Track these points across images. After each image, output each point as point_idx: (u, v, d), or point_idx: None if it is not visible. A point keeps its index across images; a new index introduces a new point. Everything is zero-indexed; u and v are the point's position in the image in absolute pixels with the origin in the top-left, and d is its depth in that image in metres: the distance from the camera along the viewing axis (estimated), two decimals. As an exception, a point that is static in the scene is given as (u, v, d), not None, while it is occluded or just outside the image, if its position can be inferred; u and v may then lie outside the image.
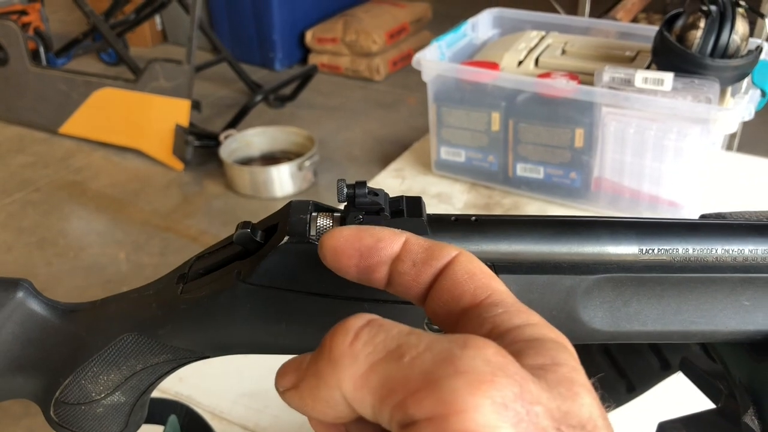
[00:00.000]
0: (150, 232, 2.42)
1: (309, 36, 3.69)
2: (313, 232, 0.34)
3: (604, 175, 1.02)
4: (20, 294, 0.38)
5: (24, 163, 2.86)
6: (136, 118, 2.78)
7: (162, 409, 0.60)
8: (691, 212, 0.98)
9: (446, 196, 1.08)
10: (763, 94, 0.96)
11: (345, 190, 0.34)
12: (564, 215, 0.37)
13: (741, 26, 0.93)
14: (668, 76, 0.92)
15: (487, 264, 0.35)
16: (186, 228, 2.46)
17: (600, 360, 0.53)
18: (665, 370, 0.51)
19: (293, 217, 0.35)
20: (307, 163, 2.62)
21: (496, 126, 1.05)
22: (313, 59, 3.69)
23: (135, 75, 2.78)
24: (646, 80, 0.93)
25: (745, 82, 0.97)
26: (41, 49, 3.32)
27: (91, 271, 2.23)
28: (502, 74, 1.03)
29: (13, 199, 2.62)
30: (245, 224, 0.36)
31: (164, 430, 0.57)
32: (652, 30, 1.09)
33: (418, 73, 1.06)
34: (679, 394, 0.48)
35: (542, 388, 0.20)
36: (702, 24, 0.93)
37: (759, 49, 0.95)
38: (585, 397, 0.21)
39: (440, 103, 1.08)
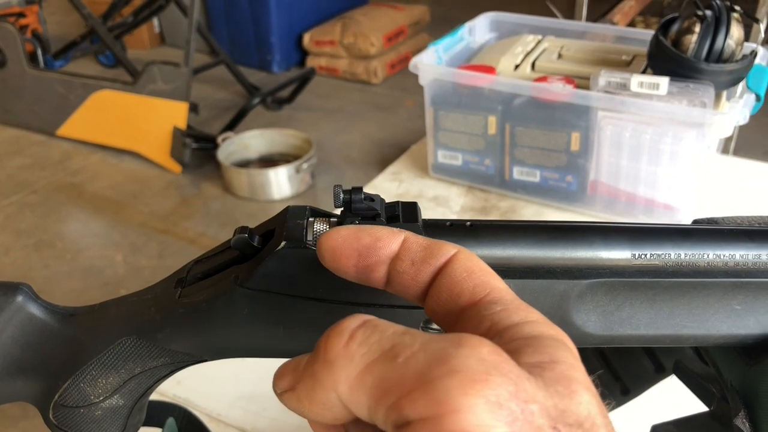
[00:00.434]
0: (148, 235, 2.42)
1: (307, 39, 3.70)
2: (310, 237, 0.35)
3: (600, 179, 1.03)
4: (20, 298, 0.38)
5: (21, 165, 2.86)
6: (133, 120, 2.78)
7: (160, 412, 0.60)
8: (686, 215, 0.99)
9: (443, 200, 1.09)
10: (758, 98, 0.97)
11: (341, 195, 0.34)
12: (558, 221, 0.37)
13: (736, 31, 0.94)
14: (664, 81, 0.92)
15: (481, 269, 0.35)
16: (184, 230, 2.46)
17: (595, 362, 0.53)
18: (659, 373, 0.51)
19: (290, 222, 0.35)
20: (305, 166, 2.63)
21: (492, 129, 1.05)
22: (311, 62, 3.69)
23: (133, 77, 2.78)
24: (641, 84, 0.94)
25: (740, 86, 0.98)
26: (39, 52, 3.33)
27: (88, 273, 2.23)
28: (499, 78, 1.04)
29: (10, 202, 2.62)
30: (243, 229, 0.36)
31: (162, 433, 0.57)
32: (648, 34, 1.09)
33: (415, 75, 1.06)
34: (673, 397, 0.48)
35: (538, 386, 0.20)
36: (697, 29, 0.93)
37: (753, 54, 0.96)
38: (583, 395, 0.21)
39: (437, 107, 1.08)
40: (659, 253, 0.35)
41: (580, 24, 1.34)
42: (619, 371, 0.53)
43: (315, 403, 0.23)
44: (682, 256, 0.36)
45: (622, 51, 1.10)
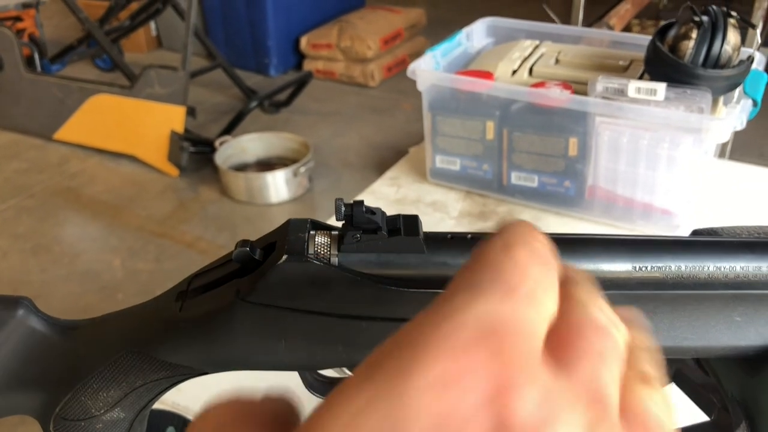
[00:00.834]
0: (145, 238, 2.42)
1: (304, 42, 3.70)
2: (311, 251, 0.35)
3: (598, 184, 1.03)
4: (21, 312, 0.38)
5: (18, 169, 2.86)
6: (131, 124, 2.78)
7: (159, 421, 0.60)
8: (684, 220, 0.99)
9: (441, 205, 1.09)
10: (755, 103, 0.97)
11: (343, 209, 0.35)
12: (558, 233, 0.37)
13: (732, 36, 0.94)
14: (661, 87, 0.93)
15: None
16: (181, 234, 2.46)
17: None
18: (659, 381, 0.52)
19: (292, 235, 0.35)
20: (303, 169, 2.63)
21: (490, 135, 1.06)
22: (308, 65, 3.69)
23: (130, 81, 2.78)
24: (639, 90, 0.94)
25: (737, 91, 0.98)
26: (36, 56, 3.32)
27: (86, 277, 2.23)
28: (497, 84, 1.04)
29: (7, 206, 2.62)
30: (244, 242, 0.36)
31: (162, 442, 0.57)
32: (645, 39, 1.09)
33: (412, 78, 1.06)
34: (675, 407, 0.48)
35: None
36: (694, 34, 0.94)
37: (750, 59, 0.96)
38: None
39: (435, 112, 1.08)
40: (660, 265, 0.36)
41: (577, 29, 1.34)
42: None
43: None
44: (683, 269, 0.36)
45: (619, 56, 1.10)
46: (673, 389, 0.43)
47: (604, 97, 0.97)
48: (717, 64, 0.94)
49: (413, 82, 1.06)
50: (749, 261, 0.36)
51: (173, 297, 0.38)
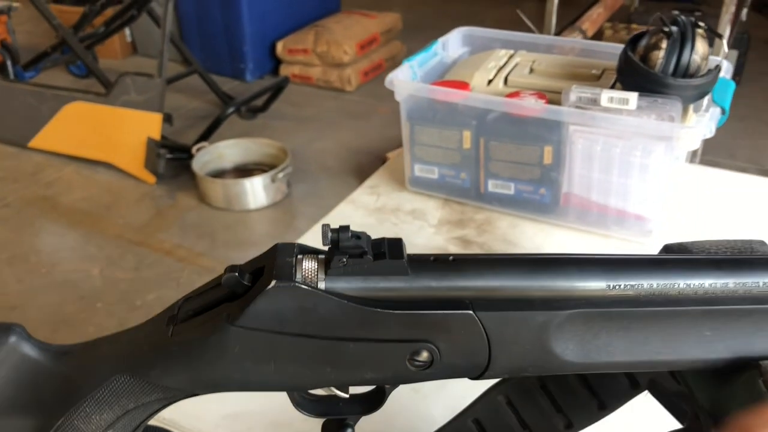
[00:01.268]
0: (123, 247, 2.41)
1: (280, 47, 3.70)
2: (299, 276, 0.36)
3: (573, 191, 1.05)
4: (13, 339, 0.39)
5: (-8, 178, 2.83)
6: (107, 131, 2.76)
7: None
8: (656, 225, 1.01)
9: (420, 213, 1.10)
10: (723, 111, 1.00)
11: (329, 234, 0.36)
12: (535, 254, 0.39)
13: (701, 46, 0.96)
14: (633, 96, 0.95)
15: (464, 301, 0.37)
16: (160, 242, 2.45)
17: (572, 380, 0.55)
18: (634, 389, 0.53)
19: (279, 260, 0.37)
20: (281, 175, 2.63)
21: (467, 144, 1.07)
22: (284, 70, 3.70)
23: (106, 88, 2.77)
24: (611, 100, 0.96)
25: (706, 100, 1.00)
26: (8, 63, 3.29)
27: (64, 287, 2.22)
28: (473, 94, 1.06)
29: (-18, 216, 2.59)
30: (233, 267, 0.37)
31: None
32: (616, 47, 1.12)
33: (384, 83, 1.08)
34: (648, 414, 0.50)
35: None
36: (664, 45, 0.96)
37: (718, 68, 0.98)
38: None
39: (413, 122, 1.10)
40: (632, 283, 0.37)
41: (550, 38, 1.36)
42: (595, 387, 0.54)
43: None
44: (655, 286, 0.37)
45: (591, 65, 1.12)
46: (648, 398, 0.45)
47: (577, 107, 0.99)
48: (686, 73, 0.96)
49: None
50: (717, 278, 0.37)
51: (164, 321, 0.39)
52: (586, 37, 2.57)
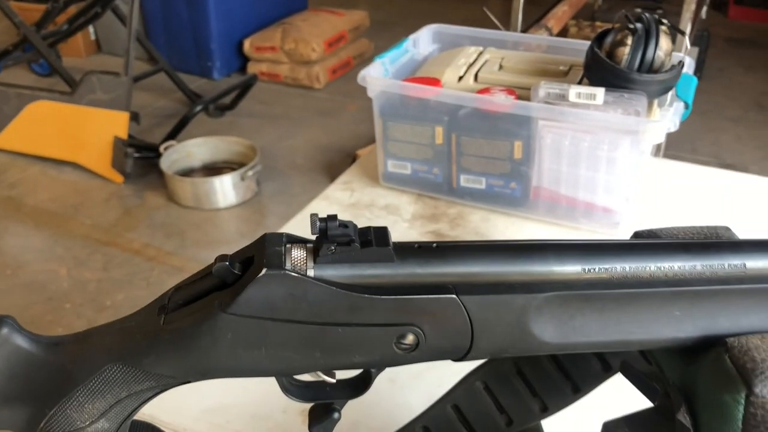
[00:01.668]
0: (91, 247, 2.39)
1: (247, 44, 3.68)
2: (288, 264, 0.37)
3: (542, 185, 1.07)
4: (4, 330, 0.39)
5: (-46, 179, 2.78)
6: (73, 131, 2.73)
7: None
8: (623, 217, 1.04)
9: (394, 208, 1.12)
10: (686, 105, 1.03)
11: (318, 223, 0.37)
12: (515, 240, 0.40)
13: (664, 43, 0.99)
14: (600, 91, 0.97)
15: (448, 286, 0.38)
16: (128, 242, 2.43)
17: (547, 364, 0.57)
18: (606, 372, 0.55)
19: (269, 249, 0.38)
20: (250, 173, 2.63)
21: (439, 139, 1.09)
22: (252, 68, 3.68)
23: (71, 87, 2.73)
24: (579, 95, 0.99)
25: (670, 95, 1.04)
26: (-32, 61, 3.22)
27: (31, 288, 2.19)
28: (444, 90, 1.07)
29: (-56, 217, 2.54)
30: (223, 257, 0.39)
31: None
32: (582, 44, 1.15)
33: (357, 80, 1.09)
34: (622, 395, 0.52)
35: None
36: (629, 41, 0.99)
37: (681, 64, 1.02)
38: None
39: (386, 118, 1.11)
40: (606, 266, 0.39)
41: (519, 35, 1.39)
42: (569, 371, 0.56)
43: None
44: (627, 269, 0.39)
45: (559, 61, 1.15)
46: (621, 379, 0.47)
47: (546, 102, 1.01)
48: (651, 68, 0.99)
49: (358, 84, 1.09)
50: (685, 260, 0.40)
51: (155, 311, 0.40)
52: (551, 34, 2.61)
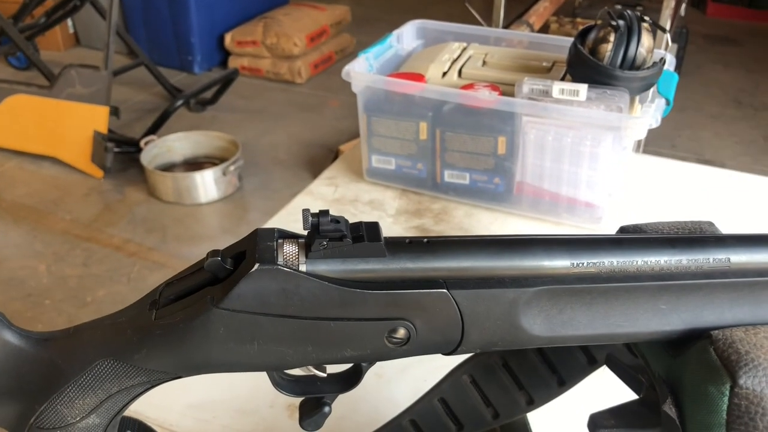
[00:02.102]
0: (71, 243, 2.36)
1: (228, 39, 3.66)
2: (280, 259, 0.37)
3: (526, 180, 1.08)
4: (-6, 326, 0.39)
5: (-70, 174, 2.74)
6: (51, 125, 2.70)
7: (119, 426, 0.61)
8: (606, 212, 1.05)
9: (378, 203, 1.12)
10: (668, 102, 1.04)
11: (310, 219, 0.37)
12: (505, 235, 0.41)
13: (646, 40, 1.00)
14: (583, 88, 0.98)
15: (439, 281, 0.39)
16: (109, 237, 2.41)
17: (533, 357, 0.58)
18: (592, 365, 0.56)
19: (261, 244, 0.38)
20: (232, 168, 2.61)
21: (423, 135, 1.09)
22: (233, 62, 3.66)
23: (49, 81, 2.70)
24: (562, 91, 0.99)
25: (652, 91, 1.05)
26: (-56, 54, 3.18)
27: (10, 285, 2.16)
28: (428, 86, 1.08)
29: None
30: (215, 252, 0.39)
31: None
32: (564, 40, 1.16)
33: (340, 75, 1.09)
34: (608, 388, 0.53)
35: None
36: (612, 38, 1.00)
37: (662, 61, 1.03)
38: None
39: (370, 114, 1.11)
40: (595, 261, 0.40)
41: (502, 31, 1.39)
42: (555, 364, 0.57)
43: None
44: (615, 263, 0.40)
45: (542, 58, 1.15)
46: (607, 372, 0.48)
47: (530, 98, 1.02)
48: (633, 65, 1.00)
49: (341, 79, 1.09)
50: (671, 255, 0.40)
51: (146, 306, 0.40)
52: (533, 31, 2.62)
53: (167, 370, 0.39)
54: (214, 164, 2.66)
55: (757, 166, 2.85)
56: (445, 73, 1.13)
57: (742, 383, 0.36)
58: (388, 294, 0.38)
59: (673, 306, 0.40)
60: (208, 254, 0.38)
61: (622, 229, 0.47)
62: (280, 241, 0.38)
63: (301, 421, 0.43)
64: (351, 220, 0.39)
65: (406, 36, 1.26)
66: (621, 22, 0.99)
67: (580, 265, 0.40)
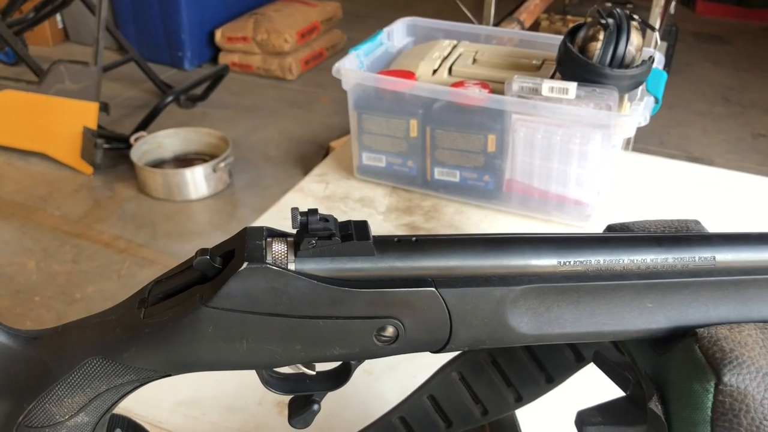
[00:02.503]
0: (61, 239, 2.35)
1: (219, 35, 3.65)
2: (269, 258, 0.37)
3: (515, 178, 1.09)
4: (-18, 324, 0.39)
5: None
6: (41, 121, 2.68)
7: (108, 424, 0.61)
8: (595, 210, 1.06)
9: (369, 200, 1.12)
10: (656, 100, 1.05)
11: (299, 217, 0.37)
12: (492, 233, 0.41)
13: (635, 38, 1.01)
14: (572, 86, 0.99)
15: (427, 279, 0.39)
16: (98, 234, 2.40)
17: (521, 355, 0.58)
18: (579, 362, 0.57)
19: (250, 242, 0.38)
20: (222, 165, 2.61)
21: (414, 132, 1.10)
22: (224, 58, 3.65)
23: (38, 76, 2.68)
24: (552, 89, 1.00)
25: (641, 89, 1.05)
26: (-69, 49, 3.15)
27: (-2, 281, 2.15)
28: (419, 84, 1.08)
29: None
30: (204, 251, 0.39)
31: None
32: (554, 38, 1.16)
33: (330, 72, 1.09)
34: (595, 385, 0.53)
35: None
36: (601, 36, 1.00)
37: (651, 59, 1.03)
38: None
39: (361, 111, 1.11)
40: (581, 259, 0.40)
41: (493, 29, 1.40)
42: (543, 361, 0.57)
43: None
44: (602, 262, 0.40)
45: (532, 56, 1.16)
46: (594, 369, 0.48)
47: (519, 96, 1.02)
48: (622, 64, 1.01)
49: (331, 76, 1.09)
50: (657, 254, 0.41)
51: (135, 304, 0.40)
52: (523, 28, 2.62)
53: (156, 369, 0.39)
54: (205, 161, 2.65)
55: (745, 164, 2.87)
56: (435, 71, 1.13)
57: (726, 381, 0.36)
58: (377, 292, 0.38)
59: (659, 304, 0.40)
60: (197, 253, 0.38)
61: (609, 228, 0.48)
62: (269, 239, 0.38)
63: (290, 418, 0.43)
64: (341, 218, 0.39)
65: (397, 33, 1.26)
66: (610, 21, 1.00)
67: (567, 263, 0.40)
